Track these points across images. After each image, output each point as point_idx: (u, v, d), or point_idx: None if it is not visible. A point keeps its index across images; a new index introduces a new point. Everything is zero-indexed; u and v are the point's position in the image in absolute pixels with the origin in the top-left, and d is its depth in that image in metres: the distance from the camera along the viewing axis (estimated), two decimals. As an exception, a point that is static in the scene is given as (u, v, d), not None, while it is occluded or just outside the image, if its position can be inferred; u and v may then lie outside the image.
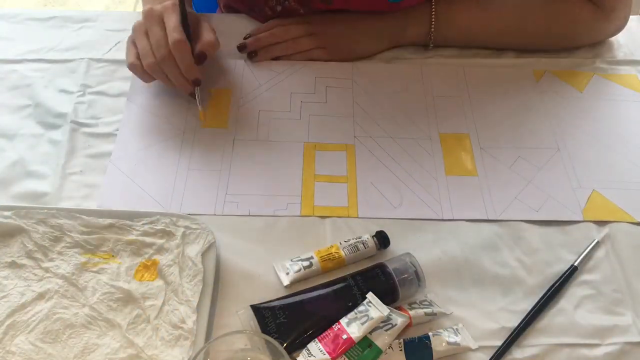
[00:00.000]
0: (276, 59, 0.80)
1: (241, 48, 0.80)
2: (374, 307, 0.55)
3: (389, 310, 0.54)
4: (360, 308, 0.55)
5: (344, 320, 0.55)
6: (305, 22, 0.80)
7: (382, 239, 0.62)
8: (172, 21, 0.68)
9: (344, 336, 0.54)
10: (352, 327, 0.54)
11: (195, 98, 0.72)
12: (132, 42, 0.71)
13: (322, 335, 0.55)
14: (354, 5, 0.78)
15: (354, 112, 0.75)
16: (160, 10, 0.69)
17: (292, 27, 0.80)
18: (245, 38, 0.81)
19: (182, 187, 0.67)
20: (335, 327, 0.55)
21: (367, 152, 0.71)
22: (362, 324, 0.53)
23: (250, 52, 0.80)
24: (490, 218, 0.65)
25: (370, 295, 0.55)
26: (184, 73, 0.69)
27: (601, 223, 0.66)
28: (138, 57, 0.69)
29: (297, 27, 0.80)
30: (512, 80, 0.79)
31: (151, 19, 0.69)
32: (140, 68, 0.69)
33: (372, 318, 0.53)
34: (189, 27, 0.69)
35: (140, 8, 0.88)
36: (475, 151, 0.71)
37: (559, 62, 0.82)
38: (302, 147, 0.71)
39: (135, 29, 0.70)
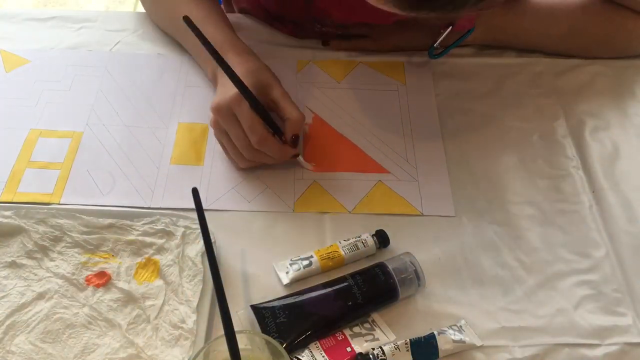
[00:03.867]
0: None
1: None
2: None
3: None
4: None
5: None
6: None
7: (381, 238, 0.62)
8: (245, 117, 0.63)
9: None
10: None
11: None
12: (219, 140, 0.69)
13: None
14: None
15: (95, 100, 0.75)
16: (227, 105, 0.64)
17: None
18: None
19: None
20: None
21: (95, 140, 0.71)
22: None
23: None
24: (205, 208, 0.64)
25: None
26: (278, 159, 0.67)
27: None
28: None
29: None
30: (275, 70, 0.75)
31: (223, 117, 0.65)
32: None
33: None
34: (263, 108, 0.65)
35: (140, 8, 0.89)
36: (210, 141, 0.72)
37: (558, 63, 0.82)
38: (26, 134, 0.71)
39: (213, 125, 0.67)
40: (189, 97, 0.76)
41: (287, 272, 0.60)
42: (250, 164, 0.67)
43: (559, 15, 0.79)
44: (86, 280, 0.58)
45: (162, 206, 0.65)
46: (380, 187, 0.68)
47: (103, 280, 0.58)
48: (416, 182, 0.69)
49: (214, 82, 0.72)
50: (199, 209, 0.52)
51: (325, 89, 0.78)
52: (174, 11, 0.75)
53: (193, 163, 0.70)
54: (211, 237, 0.59)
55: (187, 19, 0.64)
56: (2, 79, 0.77)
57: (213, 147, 0.71)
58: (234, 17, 0.88)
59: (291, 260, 0.61)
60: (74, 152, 0.70)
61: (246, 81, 0.64)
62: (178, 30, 0.79)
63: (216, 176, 0.69)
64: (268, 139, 0.64)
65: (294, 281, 0.60)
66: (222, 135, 0.67)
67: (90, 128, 0.72)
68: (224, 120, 0.65)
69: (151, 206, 0.65)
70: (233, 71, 0.64)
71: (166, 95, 0.76)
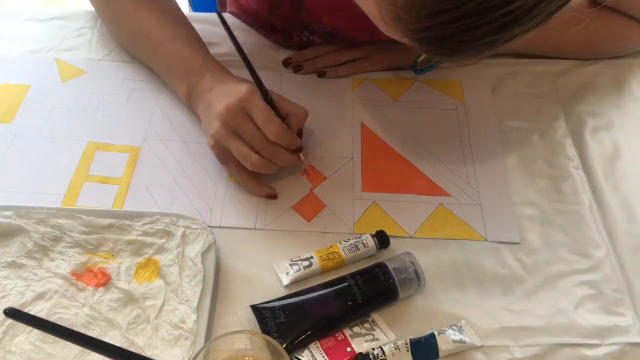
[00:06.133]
0: (321, 73, 0.79)
1: (286, 63, 0.80)
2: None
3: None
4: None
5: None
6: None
7: (382, 239, 0.62)
8: (260, 110, 0.62)
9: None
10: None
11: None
12: (222, 150, 0.65)
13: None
14: (380, 37, 0.78)
15: (152, 114, 0.74)
16: (238, 104, 0.62)
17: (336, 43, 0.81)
18: (284, 62, 0.80)
19: None
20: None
21: (152, 155, 0.70)
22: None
23: (296, 65, 0.79)
24: (257, 227, 0.64)
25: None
26: (289, 149, 0.65)
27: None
28: (239, 165, 0.65)
29: (340, 43, 0.81)
30: (328, 88, 0.78)
31: (235, 117, 0.62)
32: (248, 175, 0.65)
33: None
34: (272, 100, 0.64)
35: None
36: None
37: (558, 63, 0.82)
38: (84, 146, 0.70)
39: (216, 134, 0.64)
40: None
41: (287, 273, 0.60)
42: (266, 164, 0.63)
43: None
44: (77, 279, 0.58)
45: (221, 225, 0.64)
46: (441, 211, 0.66)
47: (103, 280, 0.58)
48: (478, 206, 0.67)
49: (189, 100, 0.71)
50: (230, 32, 0.59)
51: (382, 107, 0.76)
52: (140, 30, 0.74)
53: None
54: (210, 237, 0.60)
55: (220, 15, 0.63)
56: (59, 89, 0.76)
57: None
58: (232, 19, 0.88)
59: (291, 260, 0.61)
60: (132, 167, 0.69)
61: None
62: (145, 50, 0.76)
63: None
64: (285, 129, 0.63)
65: (294, 282, 0.60)
66: (230, 139, 0.63)
67: (147, 143, 0.71)
68: (236, 120, 0.62)
69: (210, 224, 0.63)
70: (252, 66, 0.63)
71: None
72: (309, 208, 0.66)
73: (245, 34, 0.85)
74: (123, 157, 0.70)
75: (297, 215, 0.66)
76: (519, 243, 0.64)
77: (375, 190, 0.68)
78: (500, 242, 0.64)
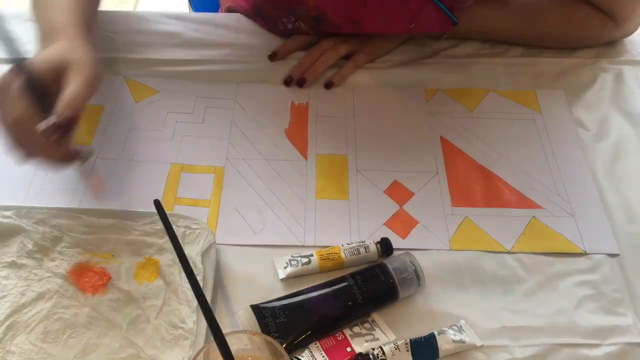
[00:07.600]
0: (329, 84, 0.78)
1: (288, 81, 0.78)
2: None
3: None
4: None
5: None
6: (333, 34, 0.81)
7: (385, 247, 0.61)
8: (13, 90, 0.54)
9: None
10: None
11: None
12: None
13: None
14: (364, 29, 0.78)
15: (230, 133, 0.73)
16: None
17: (324, 41, 0.80)
18: (269, 56, 0.80)
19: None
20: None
21: (237, 175, 0.68)
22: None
23: (299, 80, 0.78)
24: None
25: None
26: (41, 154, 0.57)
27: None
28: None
29: (327, 40, 0.80)
30: (402, 100, 0.77)
31: None
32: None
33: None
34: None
35: (140, 7, 0.88)
36: (351, 174, 0.69)
37: (558, 63, 0.82)
38: (168, 168, 0.69)
39: None
40: (322, 128, 0.74)
41: (284, 267, 0.60)
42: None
43: (513, 7, 0.81)
44: (71, 278, 0.58)
45: (315, 244, 0.63)
46: (535, 224, 0.65)
47: (103, 280, 0.58)
48: (572, 218, 0.66)
49: None
50: (166, 221, 0.49)
51: (459, 118, 0.75)
52: None
53: (338, 197, 0.67)
54: (210, 237, 0.60)
55: (157, 203, 0.52)
56: (134, 110, 0.75)
57: (355, 180, 0.68)
58: (235, 17, 0.88)
59: (291, 256, 0.61)
60: (219, 188, 0.67)
61: (39, 66, 0.56)
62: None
63: (365, 211, 0.66)
64: (23, 122, 0.53)
65: (291, 277, 0.60)
66: None
67: (230, 163, 0.70)
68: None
69: (305, 244, 0.63)
70: (189, 266, 0.49)
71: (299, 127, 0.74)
72: (402, 225, 0.65)
73: (251, 33, 0.85)
74: (208, 178, 0.68)
75: (390, 232, 0.64)
76: (618, 255, 0.63)
77: (465, 205, 0.67)
78: (600, 254, 0.63)
